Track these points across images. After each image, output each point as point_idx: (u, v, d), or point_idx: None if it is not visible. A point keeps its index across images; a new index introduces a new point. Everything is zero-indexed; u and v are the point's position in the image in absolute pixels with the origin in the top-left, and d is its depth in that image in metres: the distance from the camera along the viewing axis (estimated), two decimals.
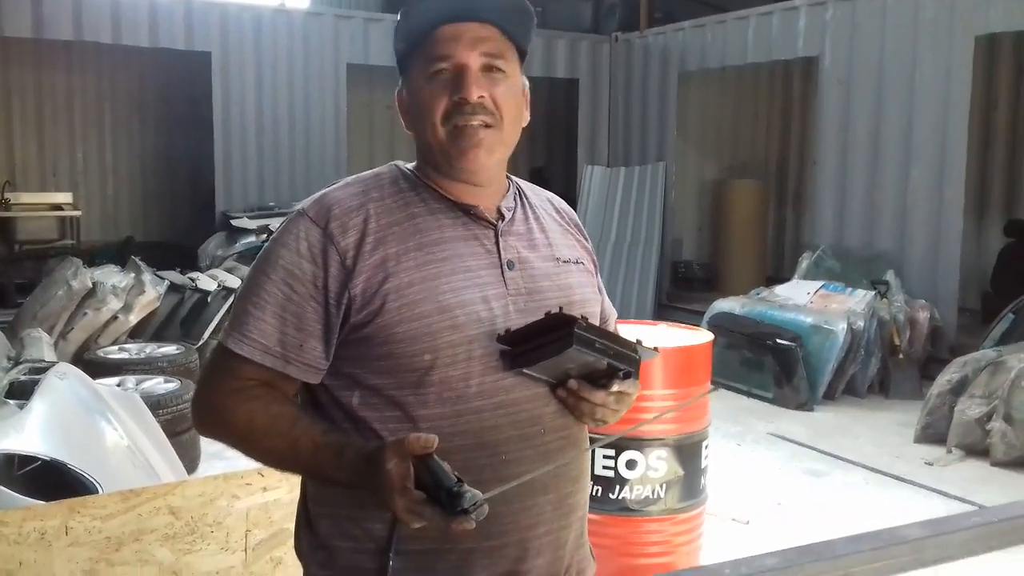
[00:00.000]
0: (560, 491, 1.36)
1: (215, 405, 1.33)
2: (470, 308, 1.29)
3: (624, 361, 1.28)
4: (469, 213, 1.35)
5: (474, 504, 1.11)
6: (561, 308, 1.26)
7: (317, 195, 1.36)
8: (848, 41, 7.98)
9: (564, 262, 1.42)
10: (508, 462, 1.29)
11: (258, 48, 9.19)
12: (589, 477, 1.47)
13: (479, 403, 1.28)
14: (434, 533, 1.17)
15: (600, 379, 1.29)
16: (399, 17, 1.36)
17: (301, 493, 1.42)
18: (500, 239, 1.36)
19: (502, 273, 1.34)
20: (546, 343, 1.24)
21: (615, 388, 1.29)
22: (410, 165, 1.41)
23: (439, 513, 1.12)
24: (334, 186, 1.38)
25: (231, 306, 1.38)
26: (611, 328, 1.49)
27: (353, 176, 1.40)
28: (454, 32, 1.31)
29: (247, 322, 1.29)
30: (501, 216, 1.38)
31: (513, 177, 1.47)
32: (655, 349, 1.32)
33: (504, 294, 1.32)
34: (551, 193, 1.56)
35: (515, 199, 1.43)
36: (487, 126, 1.31)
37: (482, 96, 1.30)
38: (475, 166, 1.32)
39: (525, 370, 1.28)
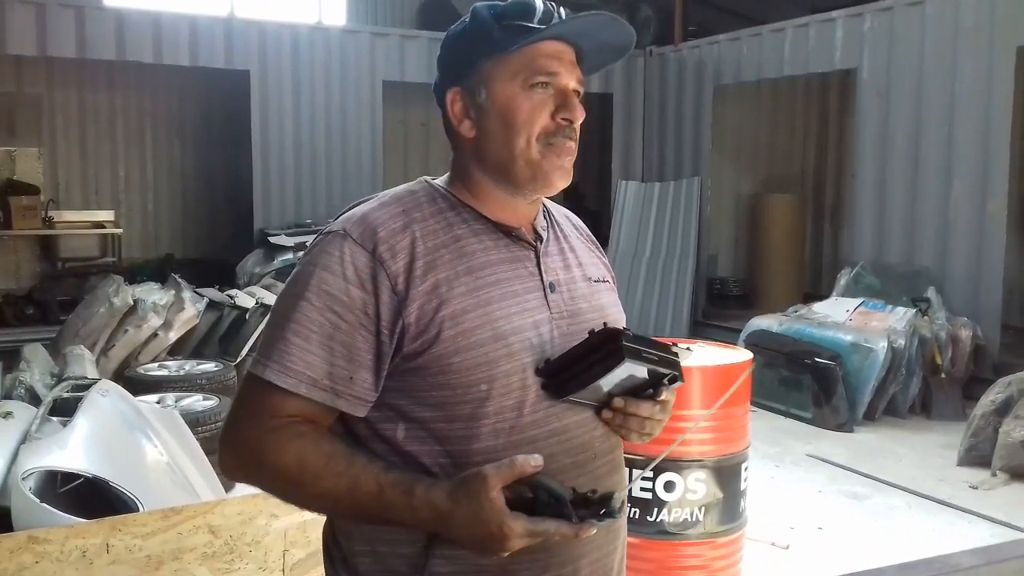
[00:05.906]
0: None
1: (256, 446, 1.22)
2: (523, 335, 1.26)
3: (668, 366, 1.25)
4: (510, 235, 1.32)
5: (621, 503, 1.14)
6: (605, 324, 1.24)
7: (356, 215, 1.28)
8: (887, 52, 7.88)
9: (595, 281, 1.41)
10: None
11: (296, 66, 9.32)
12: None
13: (533, 432, 1.25)
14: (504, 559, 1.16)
15: (641, 392, 1.27)
16: (500, 11, 1.30)
17: (328, 533, 1.35)
18: (541, 261, 1.34)
19: (545, 296, 1.31)
20: (594, 362, 1.21)
21: (663, 396, 1.26)
22: (439, 181, 1.36)
23: (564, 525, 1.12)
24: (368, 204, 1.31)
25: (263, 332, 1.27)
26: None
27: (387, 193, 1.34)
28: (557, 51, 1.29)
29: (290, 352, 1.20)
30: (538, 237, 1.36)
31: None
32: (688, 348, 1.31)
33: (549, 318, 1.30)
34: (565, 208, 1.55)
35: (544, 218, 1.41)
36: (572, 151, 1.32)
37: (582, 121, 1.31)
38: (554, 187, 1.32)
39: (572, 396, 1.26)
